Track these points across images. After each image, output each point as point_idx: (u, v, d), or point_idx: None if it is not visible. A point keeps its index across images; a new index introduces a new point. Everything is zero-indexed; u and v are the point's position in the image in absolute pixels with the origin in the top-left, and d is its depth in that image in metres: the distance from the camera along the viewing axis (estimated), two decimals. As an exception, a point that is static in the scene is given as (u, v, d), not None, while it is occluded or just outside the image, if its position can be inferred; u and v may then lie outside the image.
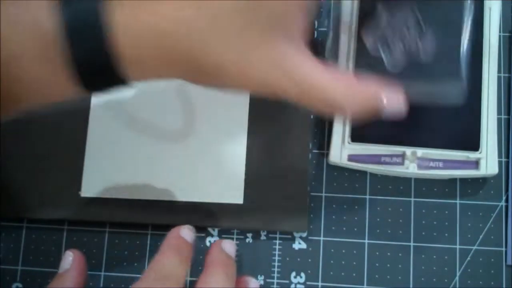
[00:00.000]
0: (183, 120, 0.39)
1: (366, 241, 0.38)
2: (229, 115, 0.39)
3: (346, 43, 0.39)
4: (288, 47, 0.29)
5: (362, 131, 0.38)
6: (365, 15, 0.39)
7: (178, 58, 0.28)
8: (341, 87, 0.29)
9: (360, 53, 0.38)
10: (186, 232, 0.33)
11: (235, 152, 0.39)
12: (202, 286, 0.30)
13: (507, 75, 0.40)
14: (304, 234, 0.39)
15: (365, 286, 0.38)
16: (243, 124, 0.39)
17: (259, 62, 0.28)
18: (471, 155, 0.37)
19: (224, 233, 0.39)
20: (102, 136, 0.39)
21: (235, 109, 0.39)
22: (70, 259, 0.33)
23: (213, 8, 0.27)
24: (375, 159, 0.38)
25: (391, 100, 0.31)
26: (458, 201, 0.38)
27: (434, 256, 0.38)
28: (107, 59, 0.27)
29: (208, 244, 0.39)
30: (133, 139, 0.39)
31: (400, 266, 0.38)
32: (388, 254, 0.38)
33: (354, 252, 0.38)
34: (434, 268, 0.38)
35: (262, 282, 0.38)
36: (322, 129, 0.40)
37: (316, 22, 0.41)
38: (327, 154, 0.38)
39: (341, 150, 0.38)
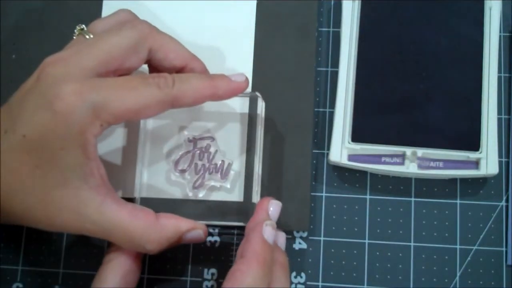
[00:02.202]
0: (181, 121, 0.39)
1: (367, 241, 0.38)
2: (230, 115, 0.39)
3: (347, 50, 0.39)
4: (89, 193, 0.31)
5: (362, 131, 0.38)
6: (367, 19, 0.39)
7: None
8: (140, 227, 0.32)
9: (362, 60, 0.39)
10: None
11: (236, 150, 0.39)
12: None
13: (507, 75, 0.40)
14: (305, 234, 0.39)
15: (365, 286, 0.38)
16: (244, 123, 0.39)
17: (61, 211, 0.31)
18: (472, 155, 0.37)
19: (225, 231, 0.39)
20: (103, 135, 0.39)
21: (237, 109, 0.39)
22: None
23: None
24: (376, 159, 0.38)
25: (192, 230, 0.34)
26: (458, 201, 0.38)
27: (435, 256, 0.38)
28: None
29: (208, 244, 0.39)
30: (129, 138, 0.39)
31: (400, 266, 0.38)
32: (389, 254, 0.38)
33: (355, 252, 0.38)
34: (435, 268, 0.38)
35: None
36: (323, 129, 0.40)
37: (316, 23, 0.41)
38: (327, 154, 0.38)
39: (341, 150, 0.38)
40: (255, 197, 0.37)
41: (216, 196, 0.38)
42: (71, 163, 0.31)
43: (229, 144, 0.39)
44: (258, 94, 0.38)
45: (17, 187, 0.31)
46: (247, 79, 0.35)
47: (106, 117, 0.31)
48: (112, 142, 0.39)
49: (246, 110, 0.39)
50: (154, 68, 0.36)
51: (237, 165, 0.38)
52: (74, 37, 0.35)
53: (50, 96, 0.30)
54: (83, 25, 0.35)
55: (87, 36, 0.34)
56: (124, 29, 0.33)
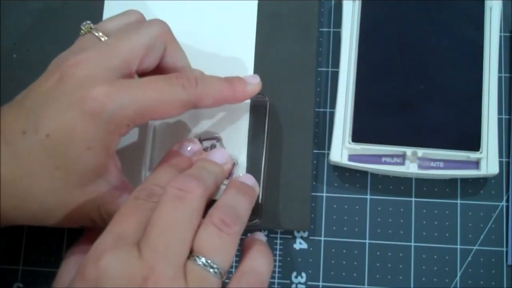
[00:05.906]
0: (186, 121, 0.39)
1: (367, 241, 0.38)
2: (236, 115, 0.39)
3: (348, 50, 0.39)
4: (107, 189, 0.32)
5: (363, 131, 0.38)
6: (368, 19, 0.39)
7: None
8: None
9: (362, 60, 0.39)
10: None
11: (237, 149, 0.39)
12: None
13: (507, 75, 0.40)
14: (305, 234, 0.39)
15: (366, 286, 0.38)
16: (245, 123, 0.39)
17: (81, 208, 0.32)
18: (472, 155, 0.37)
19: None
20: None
21: (237, 109, 0.39)
22: None
23: (19, 149, 0.30)
24: (376, 159, 0.38)
25: None
26: (459, 201, 0.38)
27: (435, 256, 0.38)
28: None
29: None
30: (136, 138, 0.39)
31: (401, 266, 0.38)
32: (389, 254, 0.38)
33: (355, 252, 0.38)
34: (435, 268, 0.38)
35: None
36: (323, 129, 0.40)
37: (317, 23, 0.41)
38: (328, 154, 0.38)
39: (342, 150, 0.38)
40: (260, 197, 0.37)
41: (217, 196, 0.38)
42: (94, 162, 0.31)
43: (234, 144, 0.39)
44: (266, 97, 0.38)
45: (37, 189, 0.30)
46: (260, 81, 0.36)
47: (133, 117, 0.31)
48: (118, 143, 0.39)
49: (252, 111, 0.39)
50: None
51: (242, 165, 0.38)
52: (81, 33, 0.35)
53: (78, 96, 0.30)
54: (89, 22, 0.35)
55: (96, 34, 0.34)
56: (143, 27, 0.34)
